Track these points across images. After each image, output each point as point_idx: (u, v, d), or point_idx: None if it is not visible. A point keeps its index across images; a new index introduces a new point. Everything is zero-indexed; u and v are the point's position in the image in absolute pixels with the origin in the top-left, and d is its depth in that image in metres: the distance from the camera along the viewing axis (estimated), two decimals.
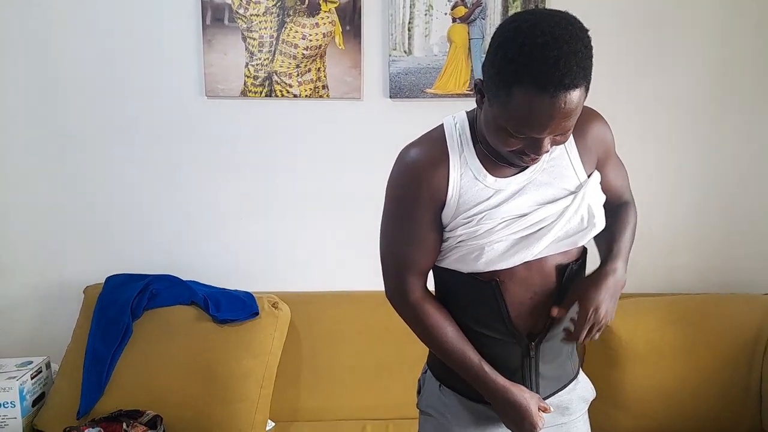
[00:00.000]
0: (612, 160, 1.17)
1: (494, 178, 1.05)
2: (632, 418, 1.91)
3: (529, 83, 0.88)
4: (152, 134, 2.07)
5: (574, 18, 0.92)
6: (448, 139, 1.06)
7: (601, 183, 1.12)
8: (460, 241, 1.06)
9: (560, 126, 0.92)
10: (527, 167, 1.06)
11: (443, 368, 1.19)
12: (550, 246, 1.06)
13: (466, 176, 1.04)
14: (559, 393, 1.18)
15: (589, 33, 0.91)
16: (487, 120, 0.99)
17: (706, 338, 1.93)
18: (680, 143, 2.11)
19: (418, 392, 1.27)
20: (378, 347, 2.02)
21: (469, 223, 1.04)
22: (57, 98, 2.03)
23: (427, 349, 1.25)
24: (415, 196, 1.05)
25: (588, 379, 1.26)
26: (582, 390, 1.22)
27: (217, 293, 1.98)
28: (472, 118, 1.08)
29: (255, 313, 1.91)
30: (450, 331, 1.12)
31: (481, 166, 1.05)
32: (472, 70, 2.03)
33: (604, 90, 1.99)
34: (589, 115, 1.10)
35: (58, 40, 2.00)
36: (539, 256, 1.06)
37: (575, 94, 0.89)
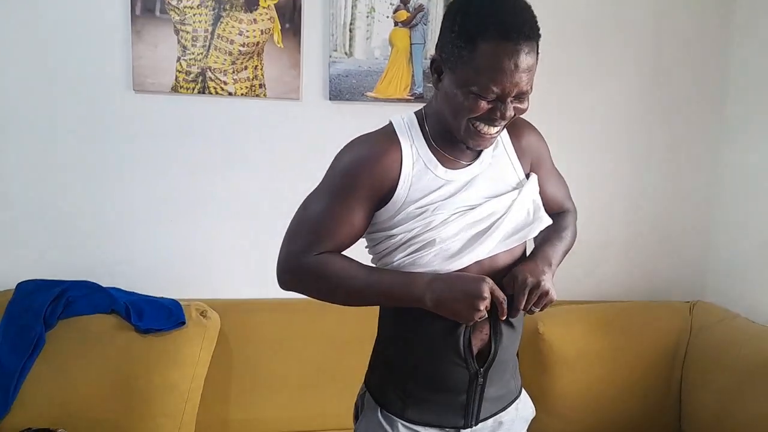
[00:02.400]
0: (549, 171, 1.23)
1: (445, 169, 1.07)
2: (561, 422, 1.96)
3: (494, 34, 0.94)
4: (74, 128, 1.92)
5: None
6: (398, 131, 1.08)
7: (541, 194, 1.16)
8: (412, 236, 1.05)
9: (522, 82, 0.97)
10: (475, 162, 1.09)
11: (384, 389, 1.16)
12: (500, 243, 1.08)
13: (417, 165, 1.06)
14: (501, 413, 1.18)
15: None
16: (448, 93, 1.01)
17: (631, 345, 2.02)
18: (611, 155, 2.19)
19: (355, 417, 1.22)
20: (312, 356, 1.98)
21: (423, 214, 1.05)
22: None
23: (366, 362, 1.21)
24: (362, 177, 1.04)
25: (529, 398, 1.26)
26: (523, 410, 1.23)
27: (140, 301, 1.86)
28: (420, 115, 1.10)
29: (181, 322, 1.81)
30: (356, 266, 1.06)
31: (433, 156, 1.07)
32: (413, 75, 2.01)
33: (541, 101, 2.04)
34: (524, 123, 1.17)
35: None
36: (491, 254, 1.07)
37: (532, 48, 0.96)
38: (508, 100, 0.98)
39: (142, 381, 1.74)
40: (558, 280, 1.12)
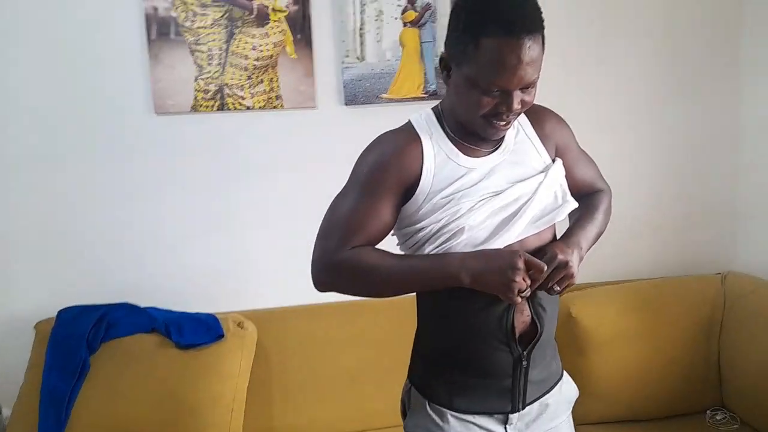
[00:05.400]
0: (576, 154, 1.24)
1: (466, 157, 1.10)
2: (602, 403, 1.96)
3: (496, 30, 0.95)
4: (101, 156, 1.96)
5: None
6: (417, 127, 1.11)
7: (570, 177, 1.18)
8: (441, 227, 1.06)
9: (526, 75, 0.98)
10: (497, 148, 1.11)
11: (429, 382, 1.16)
12: (529, 226, 1.09)
13: (439, 156, 1.08)
14: (546, 396, 1.18)
15: None
16: (457, 89, 1.04)
17: (665, 321, 2.01)
18: (635, 132, 2.19)
19: (403, 414, 1.22)
20: (348, 358, 2.00)
21: (449, 203, 1.06)
22: None
23: (401, 359, 1.22)
24: (387, 173, 1.07)
25: (571, 379, 1.27)
26: (567, 391, 1.23)
27: (178, 318, 1.89)
28: (437, 111, 1.14)
29: (220, 336, 1.84)
30: (390, 255, 1.07)
31: (453, 147, 1.10)
32: (425, 74, 2.03)
33: (561, 81, 2.04)
34: (544, 110, 1.20)
35: None
36: (520, 238, 1.08)
37: (536, 41, 0.97)
38: (514, 93, 1.00)
39: (188, 395, 1.77)
40: (587, 262, 1.13)
